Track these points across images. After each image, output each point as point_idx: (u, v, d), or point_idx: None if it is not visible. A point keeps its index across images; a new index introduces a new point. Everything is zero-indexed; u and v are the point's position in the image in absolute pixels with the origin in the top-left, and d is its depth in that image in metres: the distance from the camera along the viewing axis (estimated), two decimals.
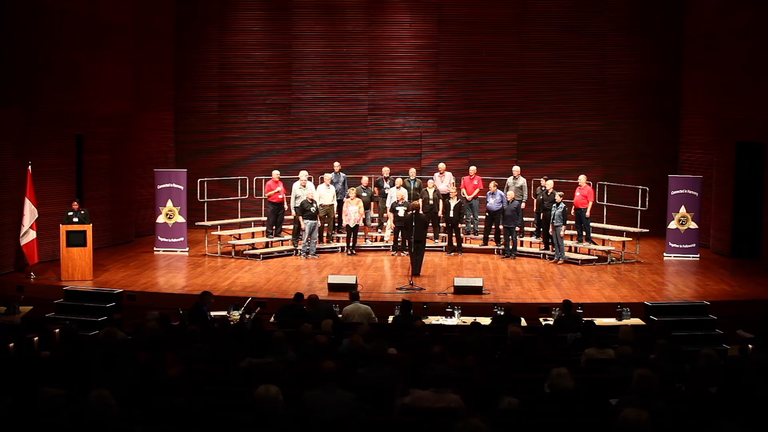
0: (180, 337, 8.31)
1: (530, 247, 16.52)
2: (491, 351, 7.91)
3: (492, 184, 16.05)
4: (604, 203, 16.85)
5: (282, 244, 16.44)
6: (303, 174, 16.26)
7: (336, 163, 17.25)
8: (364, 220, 16.32)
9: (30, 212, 13.74)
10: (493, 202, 15.94)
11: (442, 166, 17.15)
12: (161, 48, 19.03)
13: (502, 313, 10.45)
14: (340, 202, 16.35)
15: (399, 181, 16.38)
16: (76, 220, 14.03)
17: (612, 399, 6.15)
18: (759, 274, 14.55)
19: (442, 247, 16.57)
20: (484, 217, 16.63)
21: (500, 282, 13.76)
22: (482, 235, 16.62)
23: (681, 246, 16.15)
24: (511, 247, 15.89)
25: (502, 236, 16.10)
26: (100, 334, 8.85)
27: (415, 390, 6.07)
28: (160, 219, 16.44)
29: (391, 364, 7.09)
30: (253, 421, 5.28)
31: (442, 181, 16.80)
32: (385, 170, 17.17)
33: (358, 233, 16.45)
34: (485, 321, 10.39)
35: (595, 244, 16.02)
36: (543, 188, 15.96)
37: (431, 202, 16.03)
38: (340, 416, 5.74)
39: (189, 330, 8.23)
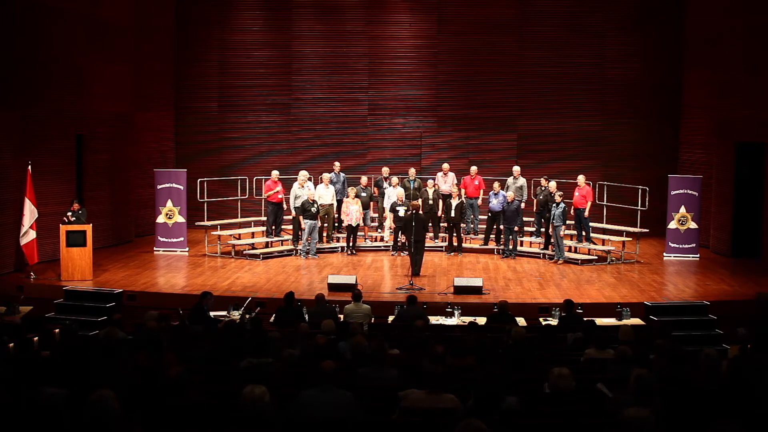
0: (180, 337, 8.31)
1: (530, 247, 16.52)
2: (491, 351, 7.90)
3: (496, 185, 16.03)
4: (604, 203, 16.84)
5: (282, 244, 16.44)
6: (303, 174, 16.24)
7: (336, 163, 17.26)
8: (364, 220, 16.33)
9: (30, 212, 13.73)
10: (495, 203, 15.93)
11: (446, 166, 17.13)
12: (161, 48, 19.03)
13: (496, 310, 10.46)
14: (340, 202, 16.35)
15: (395, 180, 16.38)
16: (73, 219, 14.05)
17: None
18: (759, 274, 14.55)
19: (442, 247, 16.57)
20: (484, 217, 16.65)
21: (500, 282, 13.76)
22: (482, 235, 16.62)
23: (681, 246, 16.14)
24: (511, 247, 15.89)
25: (502, 236, 16.11)
26: (101, 334, 8.87)
27: (411, 391, 6.05)
28: (160, 219, 16.44)
29: (391, 364, 7.08)
30: (240, 420, 5.28)
31: (446, 182, 16.80)
32: (385, 170, 17.18)
33: (358, 233, 16.47)
34: (484, 321, 10.37)
35: (595, 244, 16.02)
36: (543, 188, 15.96)
37: (431, 202, 16.03)
38: (338, 416, 5.72)
39: (189, 330, 8.23)
